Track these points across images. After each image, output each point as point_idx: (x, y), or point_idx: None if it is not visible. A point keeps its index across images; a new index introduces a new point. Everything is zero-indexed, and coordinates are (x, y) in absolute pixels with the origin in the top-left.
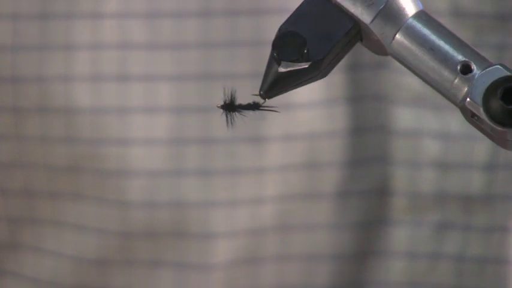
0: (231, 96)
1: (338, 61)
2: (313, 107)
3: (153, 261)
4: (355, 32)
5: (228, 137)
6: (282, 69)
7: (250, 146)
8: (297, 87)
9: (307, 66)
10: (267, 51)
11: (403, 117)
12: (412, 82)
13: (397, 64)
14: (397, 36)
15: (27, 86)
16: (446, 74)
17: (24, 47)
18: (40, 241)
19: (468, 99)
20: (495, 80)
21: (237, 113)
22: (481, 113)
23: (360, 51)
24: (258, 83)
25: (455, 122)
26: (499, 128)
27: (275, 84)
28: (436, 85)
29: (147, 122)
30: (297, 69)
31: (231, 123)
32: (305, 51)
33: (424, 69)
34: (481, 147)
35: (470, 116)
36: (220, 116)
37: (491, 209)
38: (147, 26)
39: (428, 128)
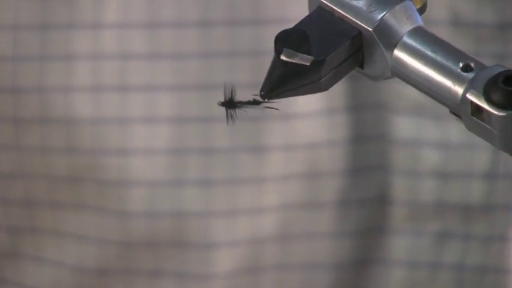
0: (231, 93)
1: (339, 76)
2: (313, 117)
3: (153, 271)
4: (358, 44)
5: (229, 146)
6: (283, 58)
7: (251, 155)
8: (297, 94)
9: (308, 63)
10: (267, 61)
11: (403, 126)
12: (412, 91)
13: None
14: (399, 43)
15: (27, 96)
16: (446, 74)
17: (25, 57)
18: (41, 250)
19: (469, 93)
20: (496, 73)
21: (236, 110)
22: (482, 102)
23: None
24: (258, 92)
25: (455, 131)
26: (501, 114)
27: (276, 84)
28: (436, 87)
29: (147, 132)
30: (298, 65)
31: (231, 120)
32: (307, 47)
33: (425, 73)
34: (481, 156)
35: (471, 114)
36: (220, 125)
37: (491, 218)
38: (147, 36)
39: (428, 137)
